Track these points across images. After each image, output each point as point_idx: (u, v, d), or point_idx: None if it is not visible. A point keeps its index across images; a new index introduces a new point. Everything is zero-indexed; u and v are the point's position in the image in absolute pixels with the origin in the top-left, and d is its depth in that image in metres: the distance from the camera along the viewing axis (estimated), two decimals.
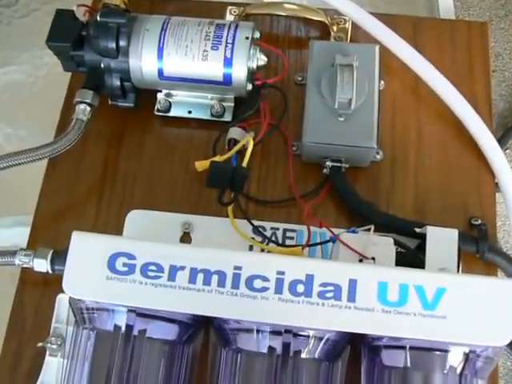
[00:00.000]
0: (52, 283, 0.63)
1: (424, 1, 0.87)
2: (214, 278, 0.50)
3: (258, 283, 0.50)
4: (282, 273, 0.51)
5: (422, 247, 0.63)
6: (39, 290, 0.64)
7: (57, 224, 0.69)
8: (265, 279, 0.50)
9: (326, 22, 0.76)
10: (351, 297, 0.50)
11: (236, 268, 0.51)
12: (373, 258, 0.55)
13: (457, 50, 0.78)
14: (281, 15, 0.77)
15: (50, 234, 0.67)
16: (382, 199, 0.69)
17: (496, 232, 0.68)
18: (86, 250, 0.52)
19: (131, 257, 0.51)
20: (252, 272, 0.51)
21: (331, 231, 0.58)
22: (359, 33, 0.76)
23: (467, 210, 0.69)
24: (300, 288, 0.50)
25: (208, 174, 0.62)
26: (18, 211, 0.82)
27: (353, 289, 0.50)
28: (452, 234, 0.58)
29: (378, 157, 0.69)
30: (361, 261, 0.56)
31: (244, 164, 0.61)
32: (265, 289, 0.50)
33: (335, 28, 0.77)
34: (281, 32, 0.79)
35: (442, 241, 0.57)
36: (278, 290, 0.50)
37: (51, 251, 0.60)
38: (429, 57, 0.73)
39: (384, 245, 0.56)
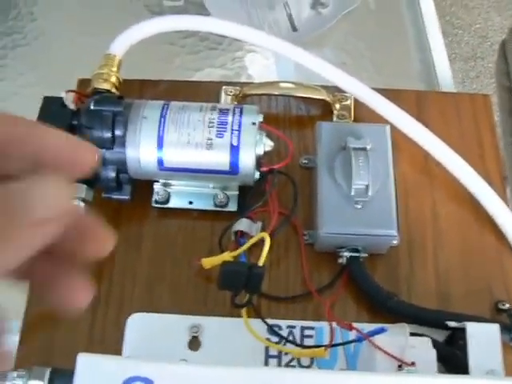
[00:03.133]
0: None
1: (421, 73, 0.85)
2: None
3: None
4: None
5: (453, 340, 0.58)
6: None
7: (48, 331, 0.62)
8: None
9: (328, 99, 0.73)
10: None
11: None
12: (413, 363, 0.50)
13: (463, 123, 0.75)
14: (279, 95, 0.74)
15: (41, 343, 0.61)
16: (403, 287, 0.64)
17: None
18: (95, 377, 0.45)
19: (148, 382, 0.45)
20: None
21: (365, 335, 0.53)
22: (363, 109, 0.73)
23: (492, 292, 0.65)
24: None
25: (220, 276, 0.56)
26: None
27: None
28: (493, 330, 0.53)
29: (395, 242, 0.64)
30: (400, 366, 0.50)
31: (260, 263, 0.55)
32: None
33: (338, 106, 0.73)
34: (280, 112, 0.75)
35: (483, 338, 0.53)
36: None
37: (49, 370, 0.53)
38: (436, 132, 0.70)
39: (423, 347, 0.51)
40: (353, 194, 0.60)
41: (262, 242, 0.58)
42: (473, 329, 0.53)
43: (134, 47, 0.71)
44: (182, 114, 0.61)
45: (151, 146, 0.61)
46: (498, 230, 0.67)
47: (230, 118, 0.61)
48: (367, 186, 0.60)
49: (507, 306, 0.63)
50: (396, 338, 0.52)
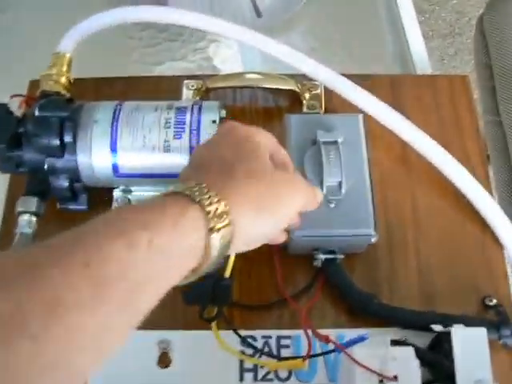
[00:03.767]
0: None
1: (395, 56, 0.80)
2: None
3: None
4: None
5: (439, 343, 0.54)
6: None
7: None
8: None
9: (296, 89, 0.68)
10: None
11: None
12: (395, 377, 0.46)
13: (441, 107, 0.71)
14: (245, 86, 0.69)
15: None
16: (384, 287, 0.60)
17: None
18: None
19: None
20: None
21: (344, 351, 0.49)
22: (334, 98, 0.68)
23: (478, 287, 0.61)
24: None
25: (185, 291, 0.52)
26: None
27: None
28: (480, 335, 0.49)
29: (374, 239, 0.59)
30: (381, 381, 0.46)
31: (227, 274, 0.51)
32: None
33: (307, 95, 0.69)
34: (246, 105, 0.70)
35: (470, 344, 0.49)
36: None
37: None
38: (412, 118, 0.66)
39: (405, 358, 0.47)
40: (325, 192, 0.56)
41: None
42: (458, 334, 0.49)
43: (87, 43, 0.66)
44: (135, 115, 0.56)
45: (104, 151, 0.56)
46: (482, 220, 0.63)
47: (187, 117, 0.56)
48: (340, 183, 0.56)
49: (494, 301, 0.59)
50: (377, 348, 0.48)
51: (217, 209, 0.38)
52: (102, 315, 0.32)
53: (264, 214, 0.42)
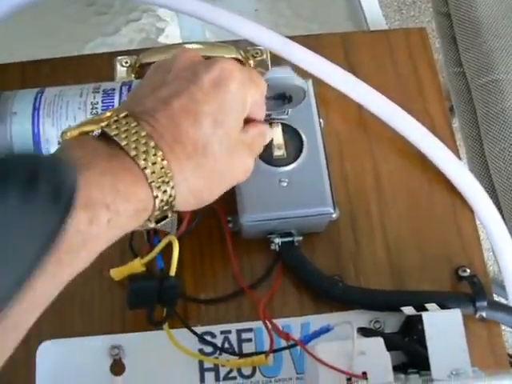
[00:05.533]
0: None
1: (347, 12, 0.74)
2: None
3: None
4: None
5: (411, 323, 0.50)
6: None
7: None
8: None
9: (239, 57, 0.63)
10: None
11: None
12: (364, 374, 0.42)
13: (398, 64, 0.66)
14: None
15: None
16: (349, 266, 0.56)
17: (488, 279, 0.56)
18: None
19: None
20: None
21: (305, 349, 0.44)
22: (282, 63, 0.62)
23: (450, 257, 0.57)
24: None
25: (128, 294, 0.47)
26: None
27: None
28: (454, 318, 0.45)
29: (334, 215, 0.54)
30: (349, 379, 0.42)
31: (172, 273, 0.46)
32: None
33: (252, 62, 0.63)
34: None
35: (444, 328, 0.44)
36: None
37: None
38: (368, 78, 0.61)
39: (375, 352, 0.42)
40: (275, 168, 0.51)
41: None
42: (431, 319, 0.44)
43: (7, 24, 0.60)
44: (58, 102, 0.50)
45: (27, 146, 0.50)
46: (450, 183, 0.59)
47: (116, 100, 0.50)
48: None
49: (468, 271, 0.55)
50: (343, 342, 0.43)
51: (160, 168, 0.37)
52: (63, 279, 0.34)
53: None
